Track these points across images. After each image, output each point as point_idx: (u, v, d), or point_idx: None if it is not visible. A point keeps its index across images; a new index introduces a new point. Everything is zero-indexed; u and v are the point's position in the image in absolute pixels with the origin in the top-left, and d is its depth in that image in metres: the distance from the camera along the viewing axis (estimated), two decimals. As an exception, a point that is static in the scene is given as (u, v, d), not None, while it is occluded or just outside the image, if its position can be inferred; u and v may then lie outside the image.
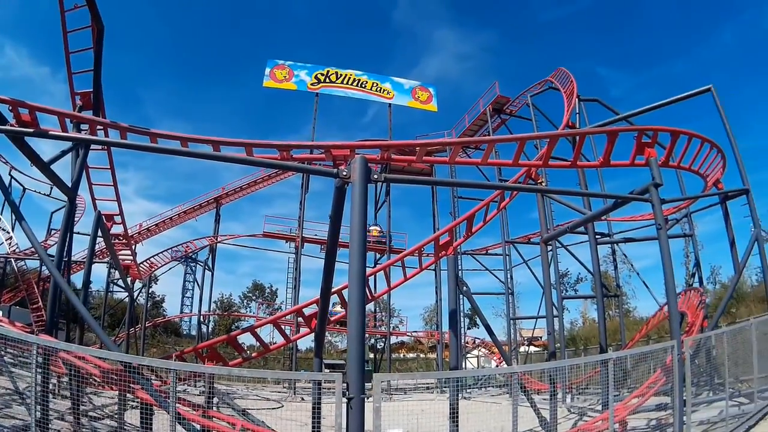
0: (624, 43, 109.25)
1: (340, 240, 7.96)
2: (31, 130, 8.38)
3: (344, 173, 6.70)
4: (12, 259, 30.25)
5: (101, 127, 11.10)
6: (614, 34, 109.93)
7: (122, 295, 35.33)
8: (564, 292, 48.58)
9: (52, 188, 30.92)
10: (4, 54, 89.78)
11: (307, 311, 13.42)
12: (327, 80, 33.86)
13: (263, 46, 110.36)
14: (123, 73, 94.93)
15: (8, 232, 31.41)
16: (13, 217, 29.32)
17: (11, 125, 8.38)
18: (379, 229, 34.51)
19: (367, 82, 34.68)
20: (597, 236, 18.78)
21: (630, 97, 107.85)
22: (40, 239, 30.83)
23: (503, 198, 14.00)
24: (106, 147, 13.92)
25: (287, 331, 16.12)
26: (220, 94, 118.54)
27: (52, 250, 18.79)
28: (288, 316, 19.27)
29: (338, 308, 17.25)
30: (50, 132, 8.63)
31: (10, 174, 30.34)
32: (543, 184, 14.31)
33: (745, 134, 75.91)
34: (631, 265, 34.63)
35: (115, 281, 31.65)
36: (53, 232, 31.50)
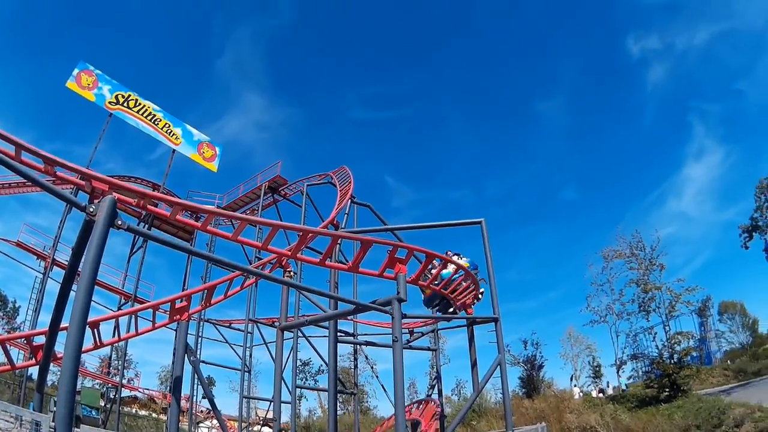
0: (418, 160, 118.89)
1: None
2: None
3: (91, 209, 6.11)
4: None
5: None
6: (410, 149, 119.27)
7: None
8: (304, 380, 48.71)
9: None
10: None
11: (39, 340, 11.77)
12: (126, 104, 32.20)
13: (80, 45, 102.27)
14: None
15: None
16: None
17: None
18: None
19: (160, 120, 33.57)
20: (340, 333, 18.88)
21: (409, 212, 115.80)
22: None
23: (247, 278, 13.69)
24: None
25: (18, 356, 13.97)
26: (23, 75, 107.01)
27: None
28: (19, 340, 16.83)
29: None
30: None
31: None
32: (291, 273, 14.26)
33: (508, 267, 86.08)
34: (372, 366, 35.63)
35: None
36: None
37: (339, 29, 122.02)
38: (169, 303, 12.98)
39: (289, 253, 11.57)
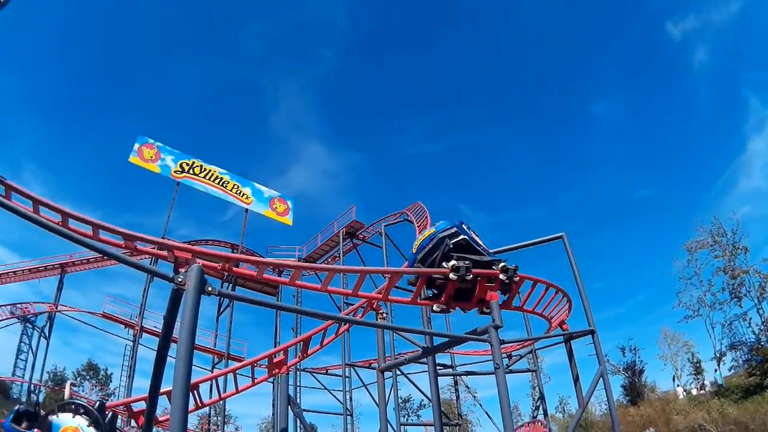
0: (486, 185, 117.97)
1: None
2: None
3: (179, 279, 6.18)
4: None
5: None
6: (477, 174, 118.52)
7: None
8: (406, 417, 48.38)
9: None
10: None
11: (138, 405, 12.06)
12: (191, 171, 32.94)
13: (138, 117, 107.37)
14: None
15: None
16: None
17: None
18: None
19: (228, 182, 34.08)
20: (439, 367, 18.67)
21: (486, 236, 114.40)
22: None
23: (341, 325, 13.67)
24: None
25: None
26: (86, 154, 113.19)
27: None
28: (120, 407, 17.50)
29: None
30: None
31: None
32: (383, 315, 14.09)
33: (594, 277, 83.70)
34: (474, 396, 35.05)
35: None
36: None
37: (384, 67, 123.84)
38: (267, 359, 13.09)
39: (380, 296, 11.44)
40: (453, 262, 9.32)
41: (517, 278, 10.17)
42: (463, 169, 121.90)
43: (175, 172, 32.20)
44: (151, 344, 31.27)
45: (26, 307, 34.84)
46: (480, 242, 10.36)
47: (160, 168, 31.84)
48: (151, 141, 32.26)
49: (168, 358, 7.23)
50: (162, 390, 9.37)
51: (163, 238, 9.18)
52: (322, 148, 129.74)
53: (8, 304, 34.05)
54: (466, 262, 9.43)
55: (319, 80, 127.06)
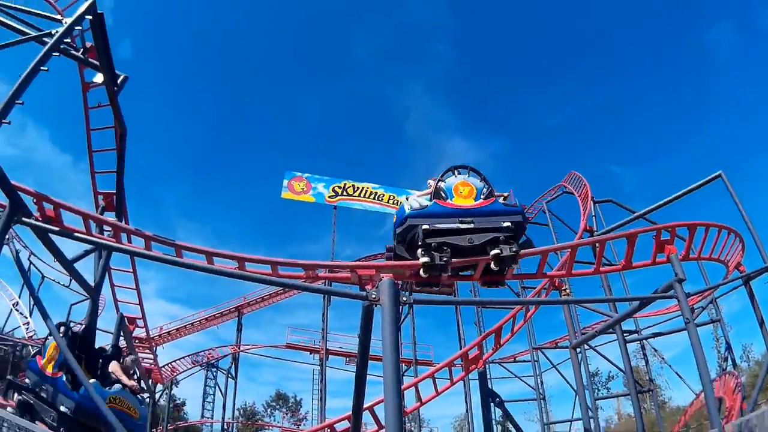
0: (630, 139, 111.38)
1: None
2: (57, 228, 8.59)
3: (373, 296, 6.66)
4: (29, 345, 30.97)
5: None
6: (619, 131, 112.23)
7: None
8: (596, 392, 47.00)
9: (71, 280, 31.59)
10: (27, 134, 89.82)
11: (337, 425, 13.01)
12: (344, 193, 34.34)
13: (277, 153, 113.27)
14: (140, 169, 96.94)
15: (26, 318, 32.95)
16: (31, 302, 30.95)
17: (36, 218, 8.52)
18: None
19: (383, 195, 35.00)
20: (625, 334, 18.36)
21: (641, 191, 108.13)
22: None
23: (527, 309, 13.90)
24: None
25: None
26: (237, 199, 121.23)
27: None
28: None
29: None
30: (76, 233, 8.82)
31: (29, 260, 31.05)
32: (567, 291, 14.10)
33: (759, 214, 76.27)
34: (662, 358, 33.57)
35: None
36: (71, 323, 31.73)
37: (498, 46, 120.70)
38: (461, 357, 13.60)
39: (564, 272, 11.65)
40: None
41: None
42: (604, 129, 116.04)
43: (329, 197, 33.89)
44: (335, 365, 33.58)
45: (210, 354, 37.40)
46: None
47: (314, 197, 33.74)
48: (299, 174, 34.28)
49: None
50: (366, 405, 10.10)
51: (331, 261, 9.75)
52: (461, 141, 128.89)
53: (190, 354, 36.85)
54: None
55: (441, 76, 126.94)
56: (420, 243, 8.65)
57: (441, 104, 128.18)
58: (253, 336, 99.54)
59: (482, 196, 9.18)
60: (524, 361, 32.47)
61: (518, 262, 9.10)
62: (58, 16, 11.86)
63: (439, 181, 9.44)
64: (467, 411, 31.82)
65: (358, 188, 34.86)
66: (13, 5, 13.40)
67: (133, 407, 8.37)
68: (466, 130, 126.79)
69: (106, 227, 11.02)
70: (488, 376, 15.61)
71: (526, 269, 11.37)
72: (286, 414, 54.80)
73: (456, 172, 9.58)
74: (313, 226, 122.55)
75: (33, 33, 10.64)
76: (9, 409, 8.00)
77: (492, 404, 13.30)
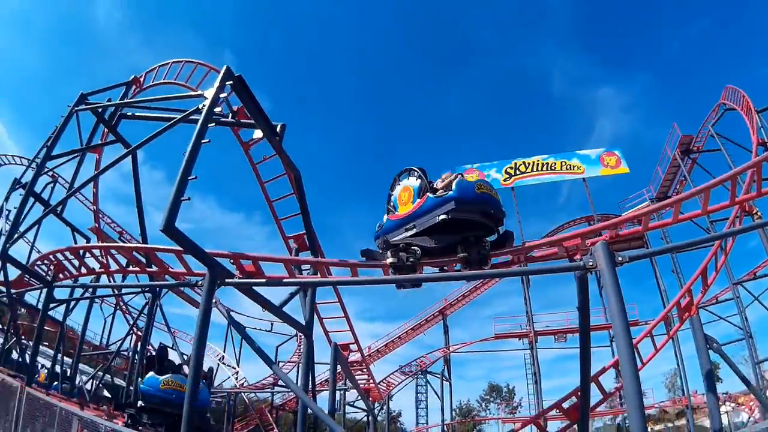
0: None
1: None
2: (263, 279, 9.18)
3: (590, 263, 6.50)
4: (241, 392, 34.99)
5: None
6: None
7: (358, 415, 37.66)
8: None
9: (272, 325, 36.06)
10: (194, 206, 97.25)
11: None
12: (517, 172, 34.19)
13: (437, 154, 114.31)
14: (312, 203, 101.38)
15: (234, 368, 36.37)
16: (235, 353, 36.80)
17: (238, 277, 9.12)
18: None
19: (555, 163, 34.30)
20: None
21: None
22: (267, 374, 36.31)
23: (726, 240, 12.77)
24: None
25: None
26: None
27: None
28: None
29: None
30: (283, 279, 9.47)
31: (229, 316, 34.30)
32: (758, 215, 12.78)
33: None
34: None
35: (351, 403, 34.13)
36: (281, 364, 36.29)
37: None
38: (675, 306, 12.74)
39: (754, 194, 10.59)
40: None
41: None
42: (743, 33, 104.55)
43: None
44: (546, 344, 33.41)
45: (421, 361, 38.27)
46: None
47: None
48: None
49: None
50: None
51: (523, 243, 9.43)
52: (608, 88, 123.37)
53: (399, 368, 37.93)
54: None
55: (568, 28, 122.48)
56: (386, 246, 8.54)
57: (576, 56, 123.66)
58: (457, 335, 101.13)
59: (418, 196, 8.46)
60: (726, 300, 29.76)
61: (489, 262, 8.48)
62: (197, 92, 12.95)
63: (389, 195, 9.06)
64: (678, 365, 30.79)
65: (528, 164, 34.49)
66: (156, 97, 14.88)
67: (183, 385, 11.71)
68: (609, 76, 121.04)
69: (304, 266, 11.62)
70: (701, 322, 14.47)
71: (715, 200, 10.50)
72: (501, 404, 54.89)
73: (398, 180, 8.99)
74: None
75: (178, 116, 11.73)
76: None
77: (708, 350, 12.36)
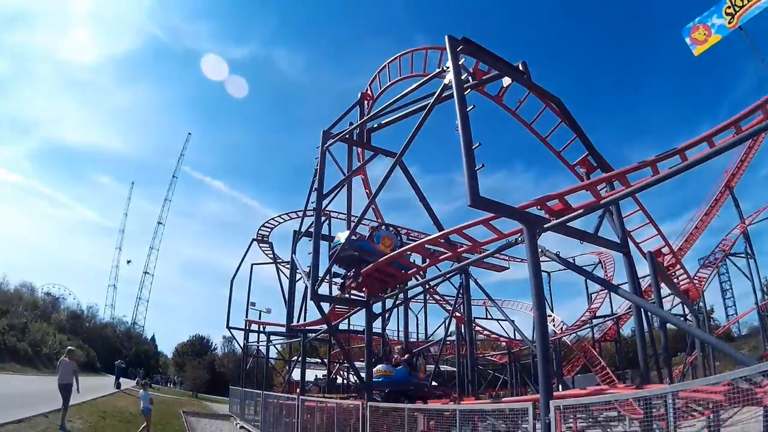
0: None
1: None
2: (575, 213, 9.07)
3: None
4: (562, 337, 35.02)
5: None
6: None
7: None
8: None
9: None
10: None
11: None
12: (736, 8, 26.50)
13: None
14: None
15: (550, 315, 36.42)
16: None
17: (549, 219, 9.18)
18: None
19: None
20: None
21: None
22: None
23: None
24: None
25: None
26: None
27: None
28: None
29: None
30: (591, 204, 9.19)
31: (557, 256, 35.55)
32: None
33: None
34: None
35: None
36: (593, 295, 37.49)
37: None
38: None
39: None
40: None
41: None
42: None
43: (729, 23, 26.73)
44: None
45: (724, 244, 35.63)
46: None
47: (718, 33, 27.41)
48: (691, 24, 27.98)
49: None
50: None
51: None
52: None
53: (701, 263, 36.01)
54: None
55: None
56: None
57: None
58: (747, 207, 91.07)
59: None
60: None
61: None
62: (437, 70, 13.16)
63: None
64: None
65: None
66: (400, 95, 15.19)
67: (390, 371, 14.97)
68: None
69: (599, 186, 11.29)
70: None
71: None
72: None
73: None
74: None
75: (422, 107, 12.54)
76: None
77: None
